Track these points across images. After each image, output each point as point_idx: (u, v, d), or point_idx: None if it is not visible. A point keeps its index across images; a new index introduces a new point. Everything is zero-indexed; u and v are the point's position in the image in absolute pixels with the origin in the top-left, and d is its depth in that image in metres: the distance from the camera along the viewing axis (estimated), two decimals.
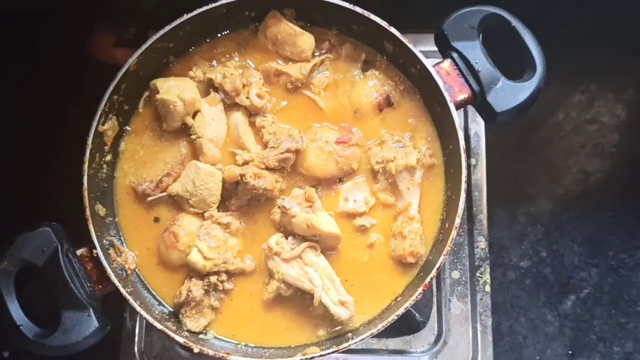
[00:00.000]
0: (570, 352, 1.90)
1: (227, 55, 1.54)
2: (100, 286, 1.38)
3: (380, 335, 1.38)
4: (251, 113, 1.51)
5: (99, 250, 1.36)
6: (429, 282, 1.35)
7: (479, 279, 1.65)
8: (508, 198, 2.01)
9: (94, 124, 1.41)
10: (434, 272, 1.35)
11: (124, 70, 1.43)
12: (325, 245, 1.43)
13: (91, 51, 1.91)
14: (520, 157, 2.05)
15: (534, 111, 1.64)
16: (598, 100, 2.06)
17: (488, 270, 1.65)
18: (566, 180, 2.04)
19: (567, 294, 1.94)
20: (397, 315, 1.33)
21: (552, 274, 1.96)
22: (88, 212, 1.37)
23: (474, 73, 1.43)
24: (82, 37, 1.94)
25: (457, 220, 1.36)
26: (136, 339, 1.62)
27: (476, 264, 1.66)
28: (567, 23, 1.88)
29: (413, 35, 1.63)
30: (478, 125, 1.74)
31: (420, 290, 1.34)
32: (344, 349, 1.33)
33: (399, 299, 1.43)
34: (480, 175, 1.71)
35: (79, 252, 1.39)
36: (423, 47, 1.61)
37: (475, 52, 1.44)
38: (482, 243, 1.67)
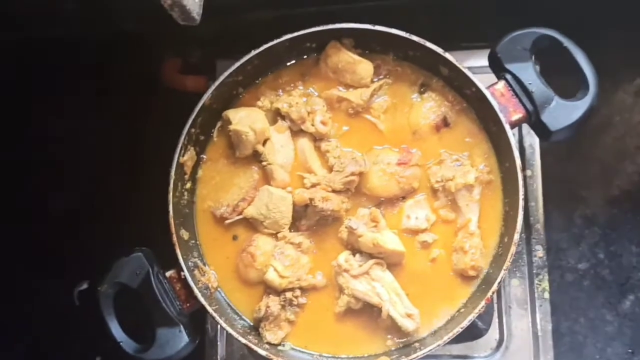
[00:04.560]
0: (630, 350, 1.95)
1: (292, 85, 1.65)
2: (188, 304, 1.50)
3: None
4: (316, 138, 1.61)
5: (186, 273, 1.48)
6: (491, 296, 1.43)
7: (538, 286, 1.71)
8: (564, 201, 2.06)
9: (175, 156, 1.52)
10: (495, 287, 1.42)
11: (199, 105, 1.54)
12: (390, 261, 1.52)
13: (163, 79, 2.06)
14: (574, 160, 2.09)
15: None
16: None
17: (546, 277, 1.72)
18: (621, 182, 2.07)
19: (626, 294, 1.99)
20: (461, 328, 1.41)
21: (610, 275, 2.00)
22: (175, 238, 1.49)
23: (528, 93, 1.48)
24: (152, 64, 2.08)
25: (516, 237, 1.43)
26: (218, 348, 1.76)
27: (534, 271, 1.72)
28: (607, 24, 1.89)
29: (463, 52, 1.70)
30: (532, 137, 1.79)
31: (482, 303, 1.41)
32: (413, 359, 1.43)
33: (462, 310, 1.51)
34: (536, 185, 1.77)
35: (167, 274, 1.51)
36: (473, 63, 1.69)
37: (528, 72, 1.49)
38: (539, 252, 1.73)
